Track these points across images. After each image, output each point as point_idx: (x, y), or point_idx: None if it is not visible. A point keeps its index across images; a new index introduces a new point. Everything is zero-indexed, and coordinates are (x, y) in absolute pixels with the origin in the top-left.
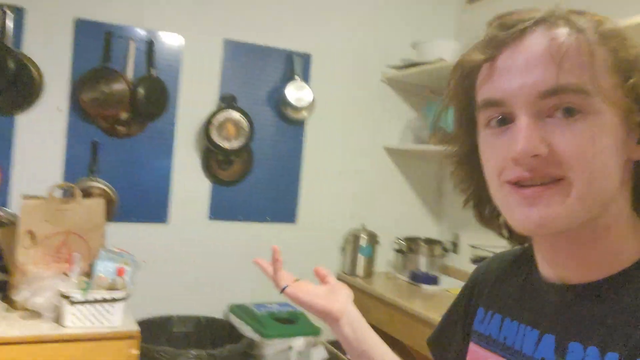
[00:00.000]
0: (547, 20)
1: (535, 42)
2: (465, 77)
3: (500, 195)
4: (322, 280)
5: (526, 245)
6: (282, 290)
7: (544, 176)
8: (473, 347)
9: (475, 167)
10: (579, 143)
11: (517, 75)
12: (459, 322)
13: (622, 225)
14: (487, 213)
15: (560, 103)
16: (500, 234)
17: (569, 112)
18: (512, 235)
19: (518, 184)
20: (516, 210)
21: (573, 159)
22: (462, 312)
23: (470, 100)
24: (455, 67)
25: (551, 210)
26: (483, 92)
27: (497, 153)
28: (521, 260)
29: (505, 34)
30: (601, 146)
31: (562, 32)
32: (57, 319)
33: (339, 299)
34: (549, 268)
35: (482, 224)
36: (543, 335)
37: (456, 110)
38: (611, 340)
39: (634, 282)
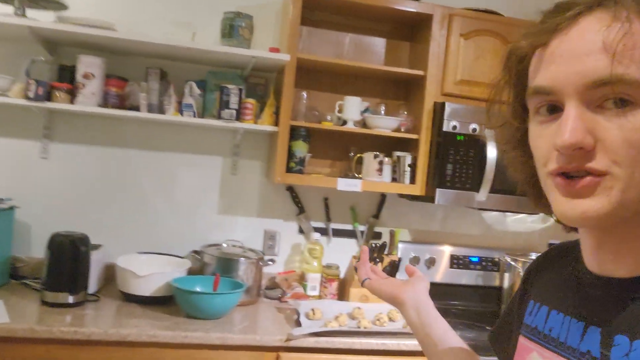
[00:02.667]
0: (603, 4)
1: (590, 28)
2: (519, 62)
3: (546, 186)
4: (409, 275)
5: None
6: (363, 283)
7: (588, 169)
8: (521, 340)
9: (528, 153)
10: (628, 136)
11: (567, 62)
12: (515, 316)
13: None
14: (542, 198)
15: (612, 93)
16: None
17: (621, 103)
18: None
19: (563, 175)
20: (560, 201)
21: (620, 154)
22: (517, 305)
23: (523, 86)
24: (510, 53)
25: (594, 203)
26: (533, 79)
27: (543, 142)
28: (571, 251)
29: (559, 18)
30: None
31: (619, 18)
32: None
33: (408, 288)
34: (594, 261)
35: (537, 208)
36: (588, 327)
37: (510, 96)
38: None
39: None
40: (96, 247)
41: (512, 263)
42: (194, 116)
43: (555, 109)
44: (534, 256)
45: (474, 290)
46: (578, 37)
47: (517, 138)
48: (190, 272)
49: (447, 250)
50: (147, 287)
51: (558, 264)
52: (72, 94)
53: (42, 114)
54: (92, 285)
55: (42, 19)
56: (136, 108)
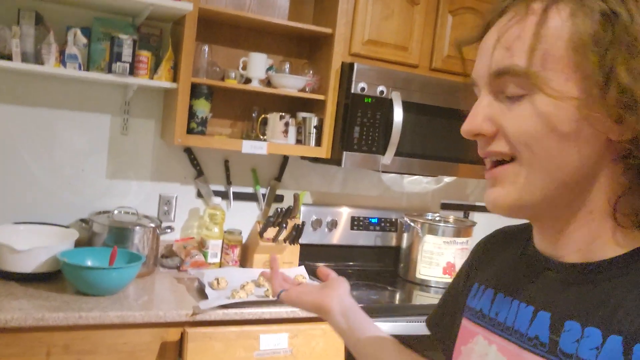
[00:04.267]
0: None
1: (500, 24)
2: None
3: None
4: (324, 279)
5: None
6: (279, 296)
7: (494, 155)
8: (464, 323)
9: None
10: (520, 124)
11: (482, 56)
12: (459, 299)
13: (600, 217)
14: None
15: (506, 84)
16: None
17: (512, 94)
18: None
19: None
20: (486, 190)
21: (516, 141)
22: (460, 289)
23: None
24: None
25: (504, 191)
26: None
27: None
28: (521, 235)
29: (490, 15)
30: (547, 127)
31: (519, 12)
32: None
33: (331, 293)
34: (546, 245)
35: None
36: (538, 312)
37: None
38: (613, 322)
39: (636, 265)
40: None
41: (411, 224)
42: (80, 69)
43: None
44: (430, 216)
45: (372, 250)
46: (492, 32)
47: None
48: (78, 243)
49: (347, 212)
50: (28, 263)
51: (506, 247)
52: None
53: None
54: None
55: None
56: (7, 57)
